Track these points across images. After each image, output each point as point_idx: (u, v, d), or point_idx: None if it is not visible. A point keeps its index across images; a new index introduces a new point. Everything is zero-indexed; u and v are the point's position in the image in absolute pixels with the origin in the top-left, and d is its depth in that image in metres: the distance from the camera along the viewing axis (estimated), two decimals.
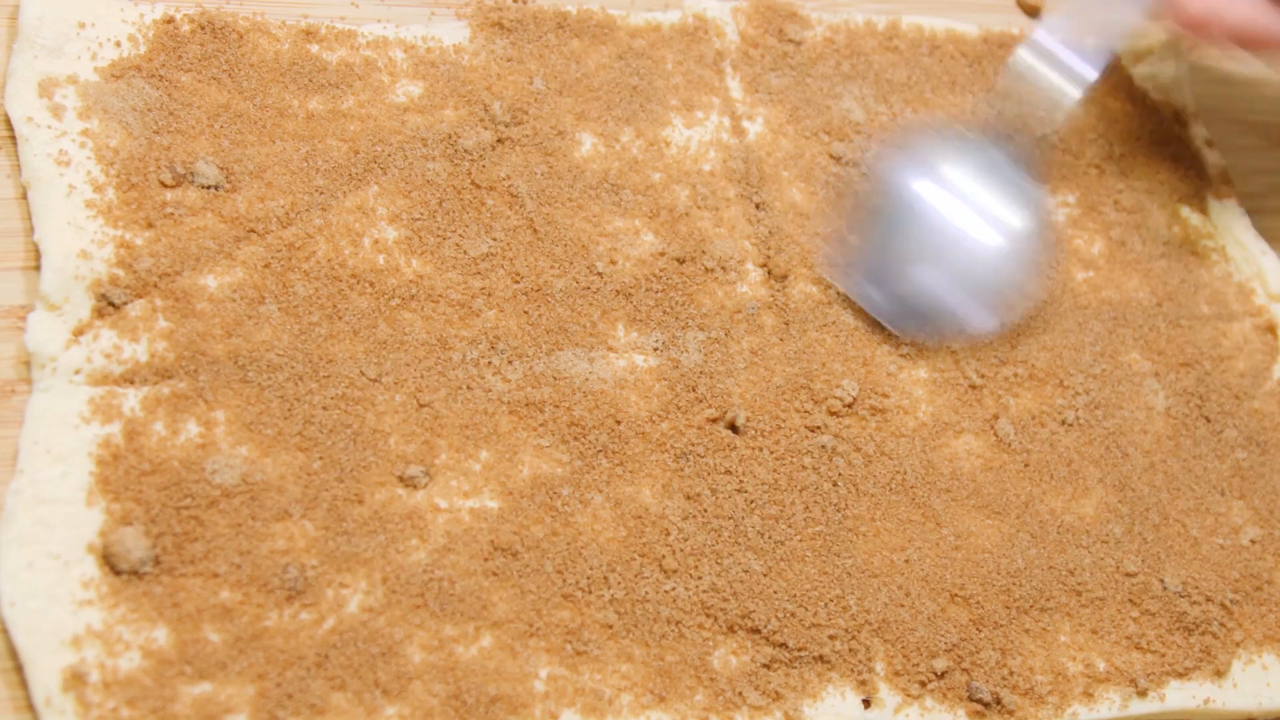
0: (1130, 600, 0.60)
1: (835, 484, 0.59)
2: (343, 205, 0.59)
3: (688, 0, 0.70)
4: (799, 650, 0.55)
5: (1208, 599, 0.61)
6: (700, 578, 0.55)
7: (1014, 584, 0.59)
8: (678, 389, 0.59)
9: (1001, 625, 0.58)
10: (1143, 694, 0.58)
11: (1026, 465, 0.63)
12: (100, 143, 0.56)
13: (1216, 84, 0.82)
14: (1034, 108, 0.68)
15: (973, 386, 0.64)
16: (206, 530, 0.50)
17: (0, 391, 0.52)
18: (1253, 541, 0.64)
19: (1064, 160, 0.73)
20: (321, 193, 0.59)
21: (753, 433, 0.59)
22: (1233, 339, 0.70)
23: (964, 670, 0.56)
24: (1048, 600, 0.59)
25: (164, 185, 0.56)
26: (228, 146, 0.58)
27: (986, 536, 0.60)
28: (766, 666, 0.54)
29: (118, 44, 0.59)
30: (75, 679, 0.46)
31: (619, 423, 0.57)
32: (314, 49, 0.62)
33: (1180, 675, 0.59)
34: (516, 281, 0.59)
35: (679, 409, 0.59)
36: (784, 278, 0.64)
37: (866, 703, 0.55)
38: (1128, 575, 0.61)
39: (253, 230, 0.57)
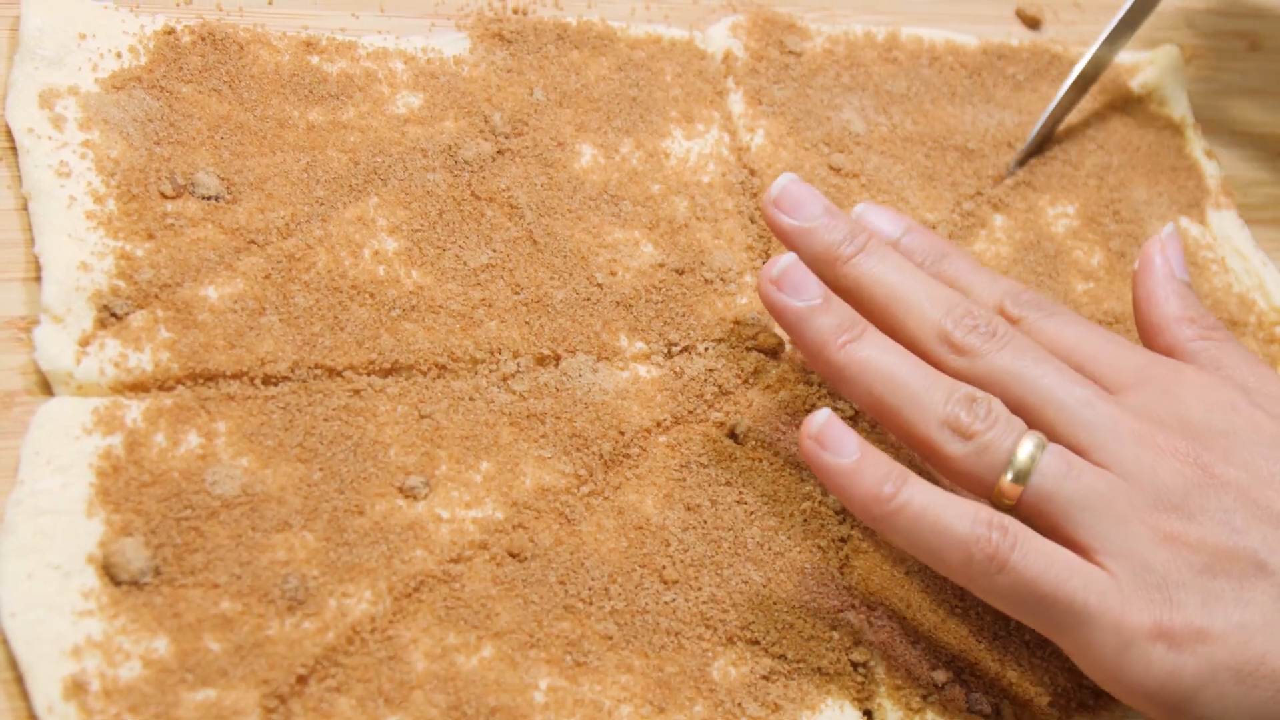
0: None
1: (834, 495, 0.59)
2: (343, 216, 0.59)
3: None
4: (798, 662, 0.55)
5: None
6: (700, 589, 0.55)
7: None
8: (679, 398, 0.59)
9: (1001, 636, 0.58)
10: None
11: None
12: (101, 154, 0.56)
13: (1215, 94, 0.82)
14: None
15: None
16: (207, 541, 0.50)
17: (1, 403, 0.52)
18: None
19: (1063, 171, 0.73)
20: (321, 204, 0.59)
21: (753, 443, 0.59)
22: None
23: (963, 682, 0.56)
24: None
25: (164, 196, 0.57)
26: (228, 157, 0.58)
27: None
28: (766, 678, 0.54)
29: (118, 55, 0.59)
30: (76, 688, 0.46)
31: (622, 433, 0.57)
32: (314, 60, 0.63)
33: None
34: (517, 292, 0.60)
35: (679, 420, 0.59)
36: None
37: (868, 714, 0.55)
38: None
39: (253, 241, 0.57)
